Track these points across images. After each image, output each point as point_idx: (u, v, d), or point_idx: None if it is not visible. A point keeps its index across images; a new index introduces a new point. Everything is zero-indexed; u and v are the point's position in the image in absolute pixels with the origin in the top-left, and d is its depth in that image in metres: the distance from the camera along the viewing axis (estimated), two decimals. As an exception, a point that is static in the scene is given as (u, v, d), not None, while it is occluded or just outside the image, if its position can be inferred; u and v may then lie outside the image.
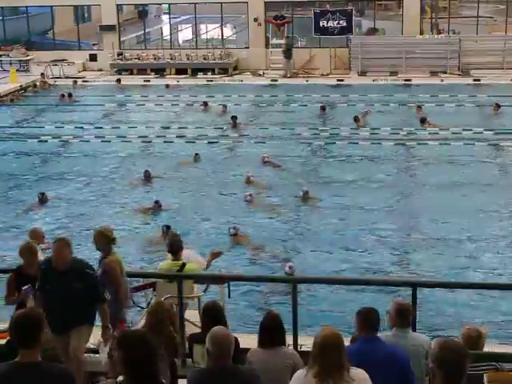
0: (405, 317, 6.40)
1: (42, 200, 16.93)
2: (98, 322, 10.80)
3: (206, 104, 26.53)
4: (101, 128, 24.17)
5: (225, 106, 25.96)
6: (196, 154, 20.04)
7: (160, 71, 32.96)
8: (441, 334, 9.92)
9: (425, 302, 10.55)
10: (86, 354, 8.02)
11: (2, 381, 4.72)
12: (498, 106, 24.50)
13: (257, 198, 16.82)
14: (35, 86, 31.23)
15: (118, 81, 31.38)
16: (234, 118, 23.78)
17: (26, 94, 30.39)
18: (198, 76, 32.37)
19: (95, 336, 8.77)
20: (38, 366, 4.77)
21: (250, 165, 19.28)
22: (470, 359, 4.18)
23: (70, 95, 28.93)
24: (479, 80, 29.66)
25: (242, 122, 23.95)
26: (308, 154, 20.78)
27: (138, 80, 31.92)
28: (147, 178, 18.29)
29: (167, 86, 30.80)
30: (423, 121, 23.01)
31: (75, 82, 31.60)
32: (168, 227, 14.49)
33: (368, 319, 5.97)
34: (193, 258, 9.63)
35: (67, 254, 7.29)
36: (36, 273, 7.65)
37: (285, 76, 31.70)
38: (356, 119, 23.35)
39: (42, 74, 31.88)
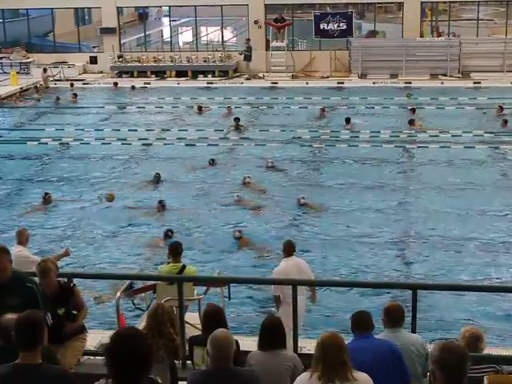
0: (393, 317, 6.52)
1: (46, 200, 16.82)
2: (96, 324, 10.88)
3: (200, 108, 26.54)
4: (101, 130, 24.21)
5: (229, 108, 25.99)
6: (212, 160, 19.74)
7: (160, 73, 33.00)
8: (441, 335, 9.93)
9: (425, 304, 10.56)
10: (86, 357, 8.04)
11: (3, 382, 4.72)
12: (501, 108, 24.49)
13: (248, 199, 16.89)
14: (36, 87, 31.28)
15: (115, 84, 31.39)
16: (236, 119, 23.80)
17: (28, 97, 30.43)
18: (199, 78, 32.41)
19: (95, 338, 8.79)
20: (39, 368, 4.78)
21: (250, 166, 19.31)
22: (470, 361, 4.21)
23: (75, 95, 29.02)
24: (479, 82, 29.68)
25: (243, 124, 23.98)
26: (308, 156, 20.78)
27: (138, 82, 31.91)
28: (156, 180, 18.20)
29: (133, 87, 30.95)
30: (411, 122, 23.16)
31: (72, 84, 31.62)
32: (171, 231, 14.47)
33: (359, 320, 6.27)
34: (304, 269, 9.60)
35: (6, 264, 6.02)
36: (50, 294, 6.86)
37: (247, 78, 31.99)
38: (348, 121, 23.55)
39: (45, 69, 31.99)
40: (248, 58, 32.38)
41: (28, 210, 16.63)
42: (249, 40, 33.26)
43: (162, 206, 16.23)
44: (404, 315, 6.63)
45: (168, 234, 14.36)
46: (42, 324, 4.90)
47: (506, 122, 22.98)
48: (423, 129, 22.88)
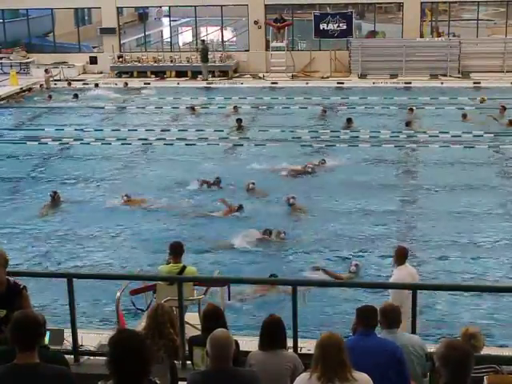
0: (389, 318, 6.50)
1: (55, 199, 16.62)
2: (96, 323, 10.89)
3: (193, 108, 26.50)
4: (101, 130, 24.23)
5: (235, 108, 25.99)
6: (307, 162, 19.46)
7: (160, 74, 33.01)
8: (440, 336, 9.93)
9: (426, 304, 10.56)
10: (86, 357, 8.04)
11: (1, 383, 4.71)
12: (504, 108, 24.49)
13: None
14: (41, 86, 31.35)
15: (96, 85, 31.41)
16: (239, 120, 23.76)
17: (28, 96, 30.47)
18: (199, 79, 32.40)
19: (95, 338, 8.80)
20: (37, 368, 4.76)
21: (253, 168, 19.30)
22: (474, 358, 4.27)
23: (75, 96, 29.00)
24: (479, 83, 29.68)
25: (246, 124, 23.92)
26: (308, 157, 20.76)
27: (138, 83, 31.92)
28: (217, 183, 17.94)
29: (96, 85, 31.20)
30: (408, 124, 23.22)
31: (69, 83, 31.67)
32: (270, 232, 14.54)
33: (363, 316, 6.26)
34: (417, 279, 9.37)
35: None
36: None
37: (204, 79, 32.03)
38: (349, 121, 23.60)
39: (47, 69, 31.98)
40: (204, 59, 32.36)
41: (42, 209, 16.47)
42: (203, 41, 33.32)
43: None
44: (400, 315, 6.62)
45: (266, 233, 14.50)
46: (40, 323, 4.90)
47: (511, 122, 22.96)
48: (420, 129, 22.94)
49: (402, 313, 8.90)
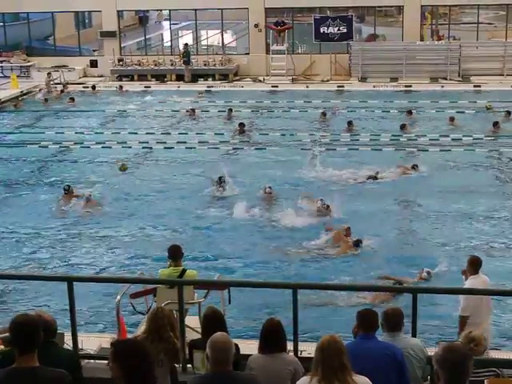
0: (391, 321, 6.50)
1: (69, 192, 16.91)
2: (96, 327, 10.88)
3: (193, 111, 26.55)
4: (101, 133, 24.23)
5: (230, 110, 26.00)
6: None
7: (160, 77, 33.06)
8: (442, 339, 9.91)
9: (427, 307, 10.54)
10: (86, 360, 8.02)
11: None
12: (508, 113, 24.46)
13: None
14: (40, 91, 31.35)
15: (93, 87, 31.52)
16: (241, 124, 23.71)
17: (28, 99, 30.50)
18: (199, 82, 32.45)
19: (96, 342, 8.79)
20: (36, 371, 4.74)
21: (254, 171, 19.28)
22: (472, 361, 4.26)
23: (72, 99, 29.04)
24: (479, 86, 29.72)
25: (247, 128, 23.91)
26: (308, 159, 20.76)
27: (138, 86, 31.96)
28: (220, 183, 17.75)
29: (120, 87, 31.43)
30: (403, 127, 23.25)
31: (64, 86, 31.75)
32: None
33: (364, 320, 6.22)
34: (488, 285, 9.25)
35: None
36: None
37: (186, 81, 32.24)
38: (350, 124, 23.62)
39: (49, 73, 32.04)
40: (187, 62, 32.43)
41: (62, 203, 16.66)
42: (187, 45, 33.45)
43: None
44: (402, 319, 6.61)
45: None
46: (40, 326, 4.90)
47: (495, 124, 22.93)
48: (414, 133, 22.97)
49: (474, 324, 8.67)
